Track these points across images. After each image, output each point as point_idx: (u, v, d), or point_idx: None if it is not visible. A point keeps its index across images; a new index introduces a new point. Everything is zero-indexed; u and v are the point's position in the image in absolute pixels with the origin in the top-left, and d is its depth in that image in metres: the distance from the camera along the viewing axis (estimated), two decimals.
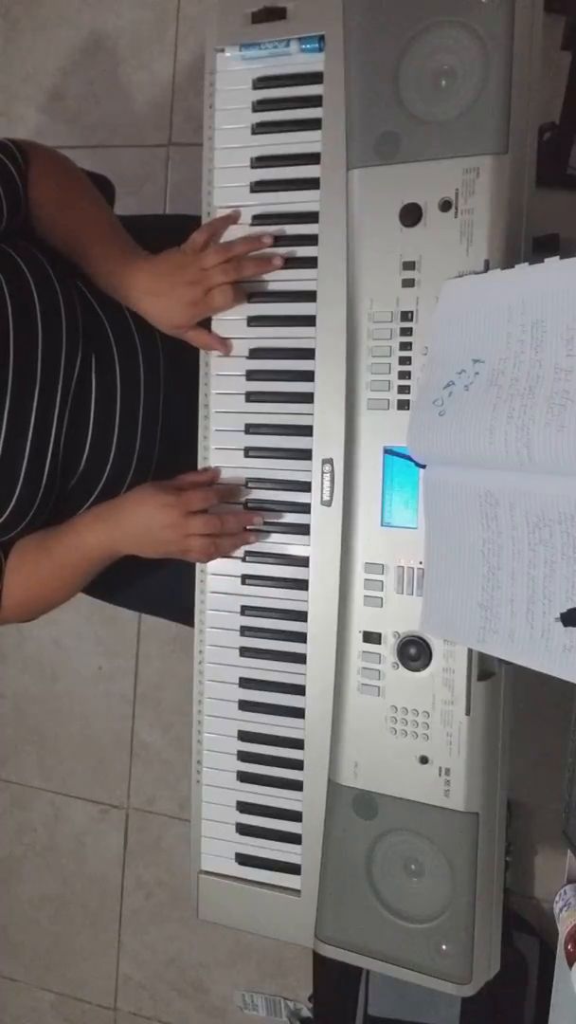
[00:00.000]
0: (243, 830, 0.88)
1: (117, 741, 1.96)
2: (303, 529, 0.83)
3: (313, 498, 0.82)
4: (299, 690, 0.84)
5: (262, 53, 0.82)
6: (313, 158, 0.81)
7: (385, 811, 0.78)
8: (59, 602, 0.91)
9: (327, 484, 0.81)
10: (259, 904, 0.87)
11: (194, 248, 0.84)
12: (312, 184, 0.81)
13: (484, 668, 0.74)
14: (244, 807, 0.88)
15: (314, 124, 0.81)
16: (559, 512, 0.62)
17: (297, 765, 0.85)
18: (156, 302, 0.85)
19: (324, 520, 0.82)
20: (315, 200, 0.81)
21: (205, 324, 0.86)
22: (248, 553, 0.86)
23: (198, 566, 0.88)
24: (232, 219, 0.85)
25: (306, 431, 0.82)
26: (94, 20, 1.92)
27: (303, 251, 0.82)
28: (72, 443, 0.86)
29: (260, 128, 0.84)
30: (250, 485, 0.86)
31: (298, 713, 0.85)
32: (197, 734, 0.90)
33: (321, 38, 0.80)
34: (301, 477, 0.83)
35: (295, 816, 0.85)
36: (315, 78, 0.81)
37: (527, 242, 0.74)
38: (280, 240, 0.83)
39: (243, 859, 0.88)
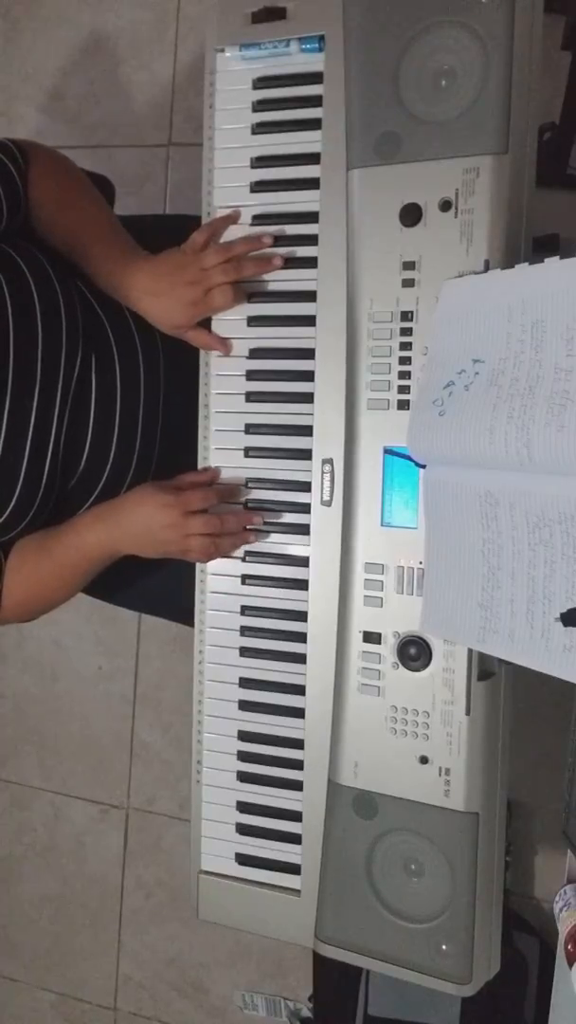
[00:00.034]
0: (243, 830, 0.88)
1: (117, 741, 1.96)
2: (303, 529, 0.83)
3: (313, 498, 0.82)
4: (299, 690, 0.84)
5: (262, 53, 0.82)
6: (313, 158, 0.81)
7: (385, 811, 0.78)
8: (59, 602, 0.91)
9: (327, 484, 0.81)
10: (259, 904, 0.87)
11: (194, 248, 0.84)
12: (312, 184, 0.81)
13: (484, 668, 0.74)
14: (244, 807, 0.88)
15: (314, 124, 0.81)
16: (559, 512, 0.62)
17: (297, 765, 0.85)
18: (156, 302, 0.85)
19: (324, 520, 0.82)
20: (315, 200, 0.81)
21: (205, 324, 0.86)
22: (248, 553, 0.86)
23: (198, 566, 0.88)
24: (232, 219, 0.85)
25: (306, 431, 0.82)
26: (94, 20, 1.92)
27: (303, 251, 0.82)
28: (72, 443, 0.86)
29: (260, 128, 0.84)
30: (250, 485, 0.86)
31: (298, 713, 0.85)
32: (197, 734, 0.90)
33: (321, 38, 0.80)
34: (301, 477, 0.83)
35: (295, 816, 0.85)
36: (315, 78, 0.81)
37: (527, 242, 0.74)
38: (280, 240, 0.83)
39: (243, 859, 0.88)
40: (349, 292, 0.78)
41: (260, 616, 0.86)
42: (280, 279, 0.84)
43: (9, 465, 0.80)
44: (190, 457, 0.88)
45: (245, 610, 0.87)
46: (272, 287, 0.84)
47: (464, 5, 0.71)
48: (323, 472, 0.81)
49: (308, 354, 0.82)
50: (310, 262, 0.82)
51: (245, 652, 0.87)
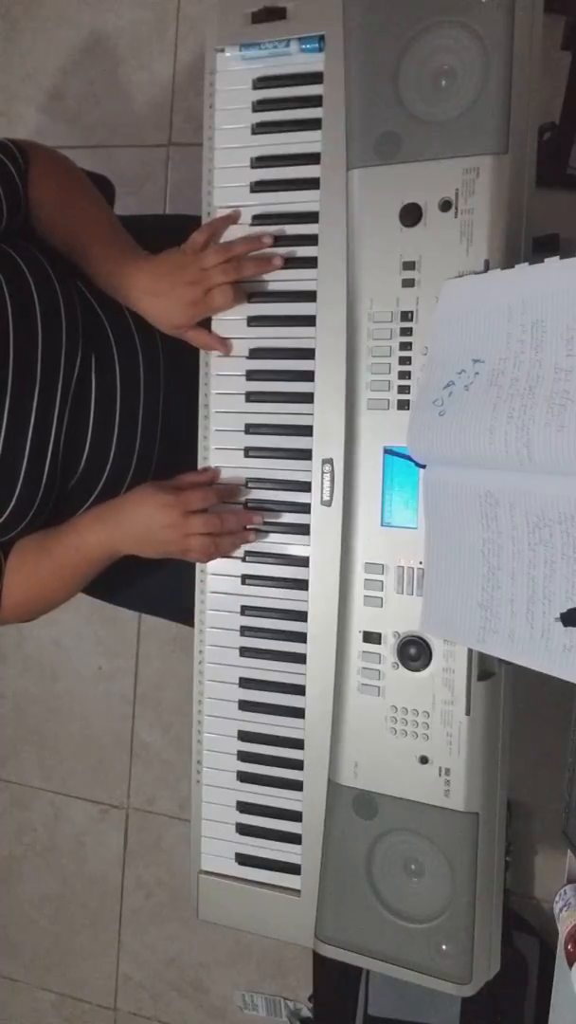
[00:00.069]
0: (243, 830, 0.88)
1: (117, 741, 1.96)
2: (303, 529, 0.83)
3: (313, 498, 0.82)
4: (299, 690, 0.84)
5: (262, 53, 0.82)
6: (313, 158, 0.81)
7: (385, 811, 0.78)
8: (59, 602, 0.91)
9: (327, 484, 0.81)
10: (259, 904, 0.87)
11: (194, 248, 0.84)
12: (312, 184, 0.81)
13: (484, 668, 0.74)
14: (244, 807, 0.88)
15: (314, 124, 0.81)
16: (559, 512, 0.62)
17: (297, 765, 0.85)
18: (156, 302, 0.85)
19: (324, 520, 0.82)
20: (315, 200, 0.81)
21: (205, 324, 0.86)
22: (248, 553, 0.86)
23: (198, 566, 0.88)
24: (232, 219, 0.85)
25: (306, 431, 0.82)
26: (94, 20, 1.92)
27: (303, 251, 0.82)
28: (72, 443, 0.86)
29: (260, 128, 0.84)
30: (250, 485, 0.86)
31: (298, 713, 0.84)
32: (197, 734, 0.90)
33: (321, 38, 0.80)
34: (301, 477, 0.83)
35: (295, 816, 0.85)
36: (315, 78, 0.81)
37: (527, 242, 0.74)
38: (280, 240, 0.83)
39: (243, 859, 0.88)
40: (349, 292, 0.78)
41: (260, 616, 0.86)
42: (280, 279, 0.84)
43: (9, 465, 0.80)
44: (190, 457, 0.88)
45: (245, 610, 0.87)
46: (272, 287, 0.84)
47: (464, 5, 0.71)
48: (323, 472, 0.81)
49: (308, 354, 0.82)
50: (310, 262, 0.82)
51: (245, 652, 0.87)
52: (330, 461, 0.81)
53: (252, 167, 0.84)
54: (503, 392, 0.64)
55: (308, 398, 0.82)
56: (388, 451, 0.76)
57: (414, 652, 0.75)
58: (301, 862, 0.85)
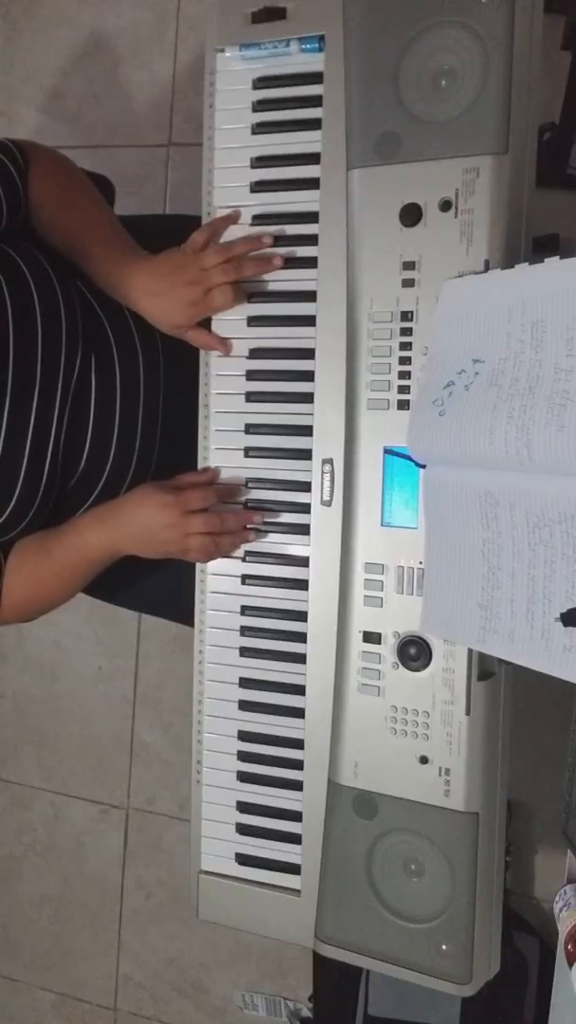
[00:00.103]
0: (243, 830, 0.88)
1: (117, 741, 1.96)
2: (303, 529, 0.83)
3: (313, 498, 0.82)
4: (299, 690, 0.84)
5: (262, 53, 0.82)
6: (313, 158, 0.81)
7: (385, 811, 0.78)
8: (59, 602, 0.91)
9: (327, 484, 0.81)
10: (259, 904, 0.87)
11: (194, 248, 0.84)
12: (312, 184, 0.81)
13: (484, 668, 0.74)
14: (244, 807, 0.88)
15: (314, 124, 0.81)
16: (559, 512, 0.62)
17: (297, 765, 0.85)
18: (156, 302, 0.85)
19: (324, 520, 0.82)
20: (315, 200, 0.81)
21: (205, 324, 0.86)
22: (248, 553, 0.86)
23: (198, 566, 0.88)
24: (232, 219, 0.85)
25: (306, 431, 0.82)
26: (94, 20, 1.92)
27: (303, 251, 0.82)
28: (72, 443, 0.86)
29: (260, 128, 0.84)
30: (250, 485, 0.86)
31: (298, 713, 0.84)
32: (197, 734, 0.90)
33: (321, 38, 0.80)
34: (301, 477, 0.83)
35: (295, 816, 0.85)
36: (315, 78, 0.81)
37: (527, 242, 0.74)
38: (280, 240, 0.83)
39: (243, 859, 0.88)
40: (349, 292, 0.78)
41: (260, 616, 0.86)
42: (280, 279, 0.84)
43: (9, 465, 0.80)
44: (190, 457, 0.88)
45: (245, 610, 0.87)
46: (272, 287, 0.84)
47: (464, 5, 0.71)
48: (323, 472, 0.81)
49: (308, 354, 0.82)
50: (310, 262, 0.82)
51: (245, 652, 0.87)
52: (330, 461, 0.81)
53: (252, 167, 0.84)
54: (503, 392, 0.64)
55: (308, 398, 0.82)
56: (388, 451, 0.76)
57: (414, 652, 0.75)
58: (301, 862, 0.85)
